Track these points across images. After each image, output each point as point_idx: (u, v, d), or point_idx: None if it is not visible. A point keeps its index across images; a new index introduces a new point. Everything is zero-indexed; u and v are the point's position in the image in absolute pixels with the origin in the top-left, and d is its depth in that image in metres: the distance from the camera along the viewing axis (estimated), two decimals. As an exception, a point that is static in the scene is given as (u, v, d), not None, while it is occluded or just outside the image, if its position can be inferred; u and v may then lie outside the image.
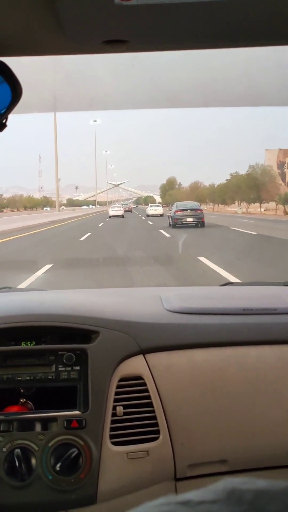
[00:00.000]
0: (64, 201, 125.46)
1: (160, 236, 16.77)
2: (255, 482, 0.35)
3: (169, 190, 78.98)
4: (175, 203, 24.83)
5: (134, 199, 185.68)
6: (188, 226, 20.36)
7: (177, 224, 20.44)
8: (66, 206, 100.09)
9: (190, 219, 20.87)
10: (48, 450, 1.20)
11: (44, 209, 73.23)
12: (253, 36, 0.85)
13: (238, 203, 51.77)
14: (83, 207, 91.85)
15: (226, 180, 56.12)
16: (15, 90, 0.86)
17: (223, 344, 1.38)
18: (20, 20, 0.76)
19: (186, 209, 21.76)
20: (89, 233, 17.65)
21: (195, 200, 31.53)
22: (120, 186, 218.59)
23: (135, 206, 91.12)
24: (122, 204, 51.93)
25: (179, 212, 21.14)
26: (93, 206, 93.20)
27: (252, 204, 48.24)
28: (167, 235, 16.81)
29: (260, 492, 0.33)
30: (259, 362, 1.36)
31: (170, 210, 23.35)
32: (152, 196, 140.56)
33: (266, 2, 0.72)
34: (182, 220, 20.64)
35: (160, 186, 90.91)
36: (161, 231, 18.45)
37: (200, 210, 22.19)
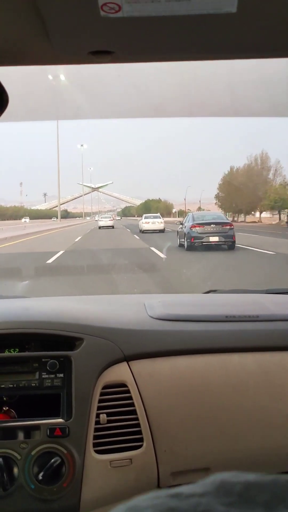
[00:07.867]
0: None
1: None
2: (244, 475, 0.35)
3: None
4: (190, 213, 17.80)
5: (118, 210, 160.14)
6: (210, 248, 14.21)
7: (195, 244, 14.14)
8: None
9: (215, 238, 14.37)
10: (31, 459, 1.19)
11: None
12: (237, 48, 0.87)
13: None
14: (53, 219, 71.98)
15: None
16: (1, 99, 0.87)
17: (206, 351, 1.39)
18: (7, 31, 0.77)
19: (209, 223, 14.81)
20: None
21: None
22: (99, 190, 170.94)
23: (118, 218, 78.16)
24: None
25: (197, 228, 14.45)
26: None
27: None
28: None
29: (249, 484, 0.34)
30: (241, 369, 1.37)
31: (181, 224, 16.30)
32: (160, 201, 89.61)
33: (249, 16, 0.74)
34: (203, 239, 14.23)
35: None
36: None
37: (230, 224, 15.37)
